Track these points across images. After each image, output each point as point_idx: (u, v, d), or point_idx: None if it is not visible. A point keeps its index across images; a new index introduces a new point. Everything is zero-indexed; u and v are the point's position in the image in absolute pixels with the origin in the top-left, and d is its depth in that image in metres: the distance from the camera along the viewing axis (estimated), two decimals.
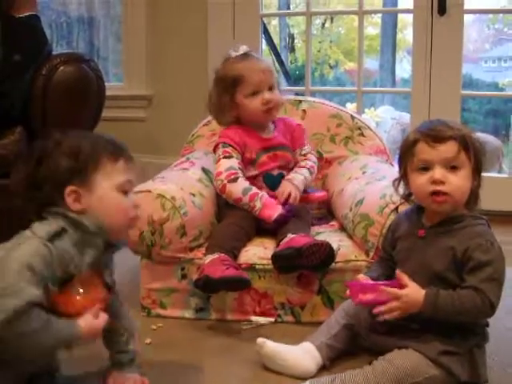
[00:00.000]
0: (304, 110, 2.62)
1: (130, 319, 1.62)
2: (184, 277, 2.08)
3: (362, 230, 2.00)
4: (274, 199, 2.16)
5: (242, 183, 2.15)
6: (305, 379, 1.62)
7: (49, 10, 5.30)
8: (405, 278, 1.55)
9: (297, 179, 2.24)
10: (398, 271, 1.58)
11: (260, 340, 1.73)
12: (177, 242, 2.04)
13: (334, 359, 1.72)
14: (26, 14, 2.66)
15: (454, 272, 1.55)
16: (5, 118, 2.49)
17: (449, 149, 1.55)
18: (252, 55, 2.29)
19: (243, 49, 2.28)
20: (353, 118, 2.60)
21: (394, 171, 2.32)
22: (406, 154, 1.63)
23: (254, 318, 1.92)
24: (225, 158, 2.20)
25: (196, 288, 1.99)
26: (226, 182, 2.15)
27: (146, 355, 1.83)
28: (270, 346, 1.72)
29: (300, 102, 2.65)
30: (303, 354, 1.69)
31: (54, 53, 2.67)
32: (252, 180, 2.22)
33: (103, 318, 1.38)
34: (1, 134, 2.48)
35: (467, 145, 1.56)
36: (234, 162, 2.19)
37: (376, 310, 1.56)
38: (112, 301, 1.51)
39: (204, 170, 2.33)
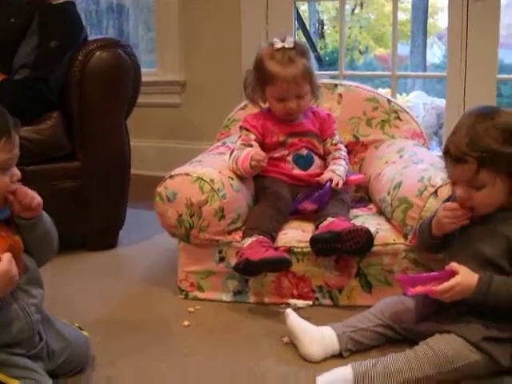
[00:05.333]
0: (340, 94, 2.60)
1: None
2: (222, 260, 2.09)
3: (400, 213, 1.99)
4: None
5: (231, 160, 2.19)
6: (310, 362, 1.68)
7: None
8: (456, 266, 1.53)
9: (339, 170, 2.22)
10: (451, 264, 1.55)
11: (287, 311, 1.78)
12: (215, 224, 2.05)
13: (354, 352, 1.71)
14: (62, 0, 2.68)
15: (506, 260, 1.54)
16: (42, 103, 2.52)
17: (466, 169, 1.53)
18: (292, 57, 2.17)
19: (288, 42, 2.17)
20: (389, 101, 2.57)
21: (431, 155, 2.31)
22: None
23: (291, 301, 1.92)
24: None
25: (236, 272, 2.00)
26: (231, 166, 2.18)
27: (184, 337, 1.86)
28: (291, 320, 1.75)
29: (336, 85, 2.63)
30: (314, 339, 1.70)
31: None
32: (282, 161, 2.23)
33: (5, 260, 1.34)
34: (38, 119, 2.51)
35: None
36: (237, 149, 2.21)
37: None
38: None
39: None
